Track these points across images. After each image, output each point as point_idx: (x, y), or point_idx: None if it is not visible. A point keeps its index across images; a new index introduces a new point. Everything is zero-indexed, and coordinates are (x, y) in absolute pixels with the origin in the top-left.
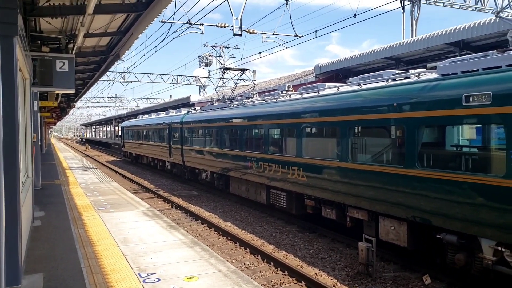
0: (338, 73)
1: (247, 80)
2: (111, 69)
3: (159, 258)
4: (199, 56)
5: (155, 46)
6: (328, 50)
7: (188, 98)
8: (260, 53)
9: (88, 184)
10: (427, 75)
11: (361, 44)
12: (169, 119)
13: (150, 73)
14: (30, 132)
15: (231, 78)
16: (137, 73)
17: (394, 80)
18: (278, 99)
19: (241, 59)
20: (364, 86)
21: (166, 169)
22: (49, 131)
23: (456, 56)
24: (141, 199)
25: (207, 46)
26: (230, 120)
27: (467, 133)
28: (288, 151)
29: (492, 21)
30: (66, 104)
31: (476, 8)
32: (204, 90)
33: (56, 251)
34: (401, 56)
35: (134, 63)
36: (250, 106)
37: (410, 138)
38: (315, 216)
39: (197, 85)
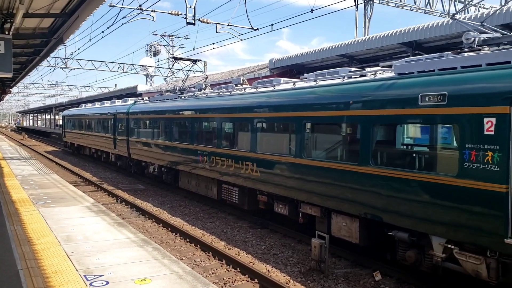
0: (292, 69)
1: (199, 71)
2: (52, 54)
3: (107, 258)
4: (147, 45)
5: (102, 32)
6: (278, 46)
7: (135, 87)
8: (213, 43)
9: (26, 176)
10: (383, 73)
11: (311, 41)
12: (115, 109)
13: (95, 60)
14: None
15: (182, 69)
16: (80, 59)
17: (350, 77)
18: (233, 92)
19: (193, 49)
20: (320, 83)
21: (111, 161)
22: None
23: (409, 56)
24: (84, 192)
25: (156, 34)
26: (180, 112)
27: (420, 132)
28: (241, 145)
29: (444, 23)
30: (0, 89)
31: (425, 10)
32: (151, 80)
33: None
34: (355, 54)
35: (79, 49)
36: (202, 99)
37: (364, 136)
38: (267, 212)
39: (144, 75)
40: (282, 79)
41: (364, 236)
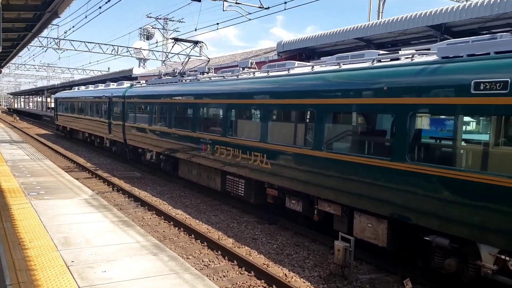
0: (302, 53)
1: (200, 54)
2: (44, 34)
3: (115, 270)
4: (140, 28)
5: (100, 7)
6: (272, 33)
7: (131, 70)
8: (217, 24)
9: (17, 161)
10: (421, 57)
11: (305, 29)
12: (110, 92)
13: (88, 42)
14: None
15: (178, 53)
16: (73, 40)
17: (380, 61)
18: (240, 77)
19: (195, 30)
20: (344, 67)
21: (105, 147)
22: None
23: (436, 41)
24: (78, 179)
25: (151, 17)
26: (181, 97)
27: (471, 125)
28: (250, 135)
29: (478, 4)
30: None
31: None
32: (144, 64)
33: None
34: (373, 38)
35: (73, 26)
36: (205, 83)
37: (399, 128)
38: (274, 206)
39: (137, 58)
40: (296, 62)
41: (392, 239)
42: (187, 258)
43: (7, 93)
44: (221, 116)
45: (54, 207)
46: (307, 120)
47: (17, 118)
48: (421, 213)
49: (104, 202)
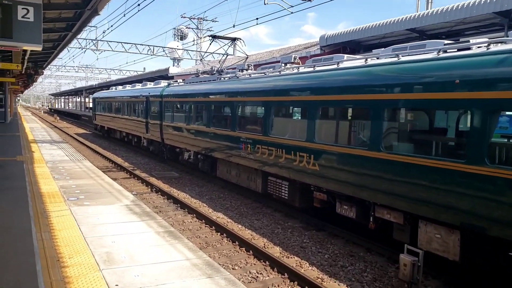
0: (346, 46)
1: (234, 52)
2: (82, 36)
3: None
4: (174, 28)
5: (138, 5)
6: (303, 30)
7: (167, 70)
8: (257, 19)
9: (57, 162)
10: (497, 46)
11: (337, 25)
12: (147, 92)
13: (125, 42)
14: None
15: (211, 53)
16: (110, 41)
17: (446, 51)
18: (283, 72)
19: (233, 26)
20: (403, 58)
21: (142, 146)
22: (16, 100)
23: (500, 30)
24: (115, 179)
25: (185, 17)
26: (220, 96)
27: None
28: (294, 134)
29: None
30: (33, 70)
31: None
32: (178, 63)
33: (4, 276)
34: (427, 29)
35: (112, 26)
36: (245, 80)
37: (477, 127)
38: (320, 210)
39: (171, 58)
40: (345, 55)
41: (466, 252)
42: (233, 269)
43: (49, 94)
44: (263, 114)
45: (94, 215)
46: (362, 118)
47: (58, 118)
48: (503, 224)
49: (147, 209)
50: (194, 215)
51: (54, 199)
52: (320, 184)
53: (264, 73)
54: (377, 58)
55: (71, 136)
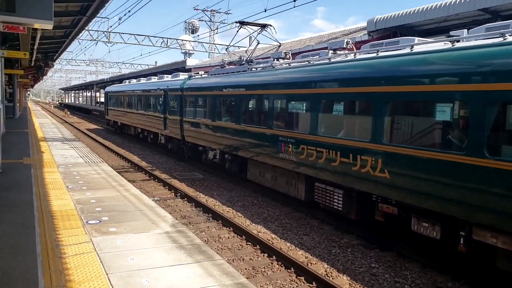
0: (396, 31)
1: (269, 39)
2: (94, 28)
3: None
4: (185, 21)
5: None
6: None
7: (184, 62)
8: (294, 0)
9: (70, 166)
10: None
11: (346, 20)
12: (165, 85)
13: (137, 34)
14: None
15: (229, 47)
16: (123, 33)
17: None
18: (333, 60)
19: (265, 11)
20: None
21: (159, 143)
22: (27, 94)
23: None
24: (134, 181)
25: (197, 9)
26: (253, 88)
27: None
28: (353, 133)
29: None
30: (43, 62)
31: None
32: (189, 57)
33: None
34: (502, 9)
35: (125, 15)
36: (284, 70)
37: None
38: (381, 224)
39: (182, 52)
40: (416, 38)
41: None
42: None
43: (59, 88)
44: (309, 110)
45: (126, 252)
46: (455, 116)
47: (68, 113)
48: None
49: (196, 239)
50: (231, 229)
51: (69, 222)
52: (390, 195)
53: (308, 61)
54: (466, 40)
55: (82, 132)
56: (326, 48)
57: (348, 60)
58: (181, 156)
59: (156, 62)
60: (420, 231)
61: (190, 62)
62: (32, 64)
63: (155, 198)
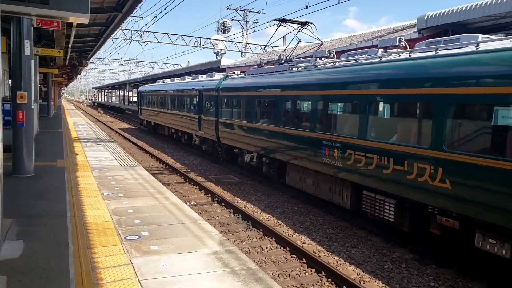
0: (448, 29)
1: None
2: (128, 27)
3: None
4: (217, 21)
5: None
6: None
7: (218, 61)
8: (307, 7)
9: (105, 169)
10: None
11: (379, 20)
12: (200, 85)
13: (171, 34)
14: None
15: (261, 48)
16: (156, 32)
17: None
18: (385, 58)
19: (306, 7)
20: None
21: (193, 144)
22: (61, 93)
23: None
24: (169, 183)
25: (230, 9)
26: (294, 89)
27: None
28: (411, 138)
29: None
30: (77, 61)
31: None
32: (221, 57)
33: None
34: None
35: (155, 16)
36: (328, 70)
37: None
38: (435, 236)
39: (214, 52)
40: (480, 36)
41: None
42: None
43: (92, 88)
44: (358, 112)
45: (171, 279)
46: None
47: (101, 112)
48: None
49: (250, 264)
50: (273, 239)
51: (105, 237)
52: (451, 207)
53: (355, 60)
54: None
55: (116, 131)
56: (374, 46)
57: (403, 59)
58: (216, 158)
59: (188, 62)
60: (485, 248)
61: (225, 61)
62: (67, 63)
63: (192, 203)
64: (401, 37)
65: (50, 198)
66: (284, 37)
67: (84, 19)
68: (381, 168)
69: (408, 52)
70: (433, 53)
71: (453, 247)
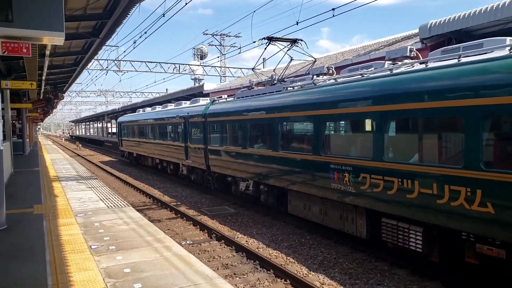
0: (451, 37)
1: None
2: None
3: None
4: (194, 48)
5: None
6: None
7: (201, 86)
8: (297, 23)
9: (90, 214)
10: None
11: (351, 39)
12: (185, 112)
13: (148, 61)
14: None
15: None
16: (133, 61)
17: None
18: (396, 71)
19: (297, 24)
20: None
21: (181, 174)
22: (37, 128)
23: None
24: (159, 220)
25: (207, 34)
26: (292, 110)
27: None
28: (438, 157)
29: None
30: (52, 94)
31: None
32: (199, 83)
33: None
34: None
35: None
36: (330, 87)
37: None
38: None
39: (192, 79)
40: (508, 38)
41: None
42: None
43: (69, 121)
44: (370, 132)
45: None
46: None
47: (80, 145)
48: None
49: None
50: (288, 281)
51: None
52: (495, 235)
53: (360, 75)
54: None
55: (96, 165)
56: (379, 59)
57: (421, 69)
58: (206, 187)
59: (167, 89)
60: None
61: (208, 86)
62: (41, 97)
63: (188, 242)
64: (412, 47)
65: (26, 258)
66: (264, 58)
67: (59, 39)
68: (404, 192)
69: (424, 63)
70: (455, 61)
71: (497, 278)
